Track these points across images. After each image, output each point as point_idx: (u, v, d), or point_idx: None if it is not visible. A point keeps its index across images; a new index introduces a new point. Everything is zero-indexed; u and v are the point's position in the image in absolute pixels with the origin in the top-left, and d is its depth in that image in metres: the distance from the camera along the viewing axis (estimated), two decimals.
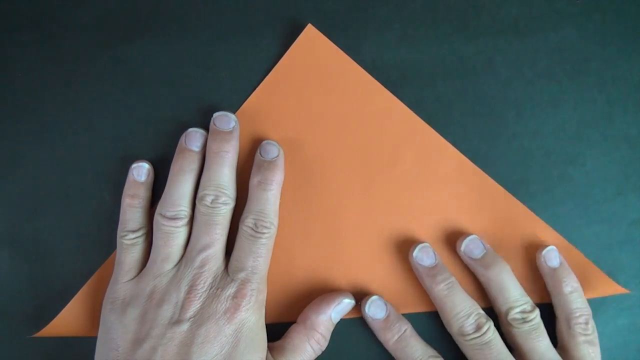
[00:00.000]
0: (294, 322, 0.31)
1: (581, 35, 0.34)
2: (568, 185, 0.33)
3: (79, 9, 0.33)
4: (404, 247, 0.32)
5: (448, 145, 0.33)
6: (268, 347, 0.30)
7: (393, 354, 0.31)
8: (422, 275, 0.31)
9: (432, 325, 0.32)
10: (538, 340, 0.30)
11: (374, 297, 0.31)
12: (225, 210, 0.30)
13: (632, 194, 0.33)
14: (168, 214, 0.30)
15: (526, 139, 0.33)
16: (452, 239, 0.33)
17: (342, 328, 0.32)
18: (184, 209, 0.30)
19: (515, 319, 0.30)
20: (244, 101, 0.33)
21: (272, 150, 0.31)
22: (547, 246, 0.32)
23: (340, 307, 0.31)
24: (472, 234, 0.32)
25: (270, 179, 0.31)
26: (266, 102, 0.33)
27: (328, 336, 0.31)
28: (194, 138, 0.31)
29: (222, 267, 0.30)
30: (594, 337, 0.31)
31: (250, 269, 0.29)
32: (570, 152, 0.33)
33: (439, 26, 0.33)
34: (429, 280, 0.31)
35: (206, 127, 0.32)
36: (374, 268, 0.32)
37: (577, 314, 0.31)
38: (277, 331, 0.31)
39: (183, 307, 0.28)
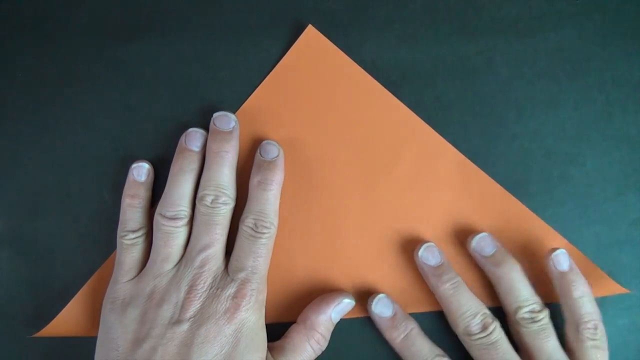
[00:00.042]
0: (294, 322, 0.31)
1: (581, 35, 0.34)
2: (568, 185, 0.33)
3: (79, 9, 0.33)
4: (403, 246, 0.32)
5: (448, 145, 0.33)
6: (268, 347, 0.30)
7: (399, 353, 0.31)
8: (428, 275, 0.31)
9: (437, 325, 0.32)
10: (546, 341, 0.30)
11: (381, 295, 0.31)
12: (225, 210, 0.30)
13: (632, 194, 0.33)
14: (168, 214, 0.30)
15: (526, 139, 0.33)
16: (451, 239, 0.33)
17: (342, 328, 0.32)
18: (184, 209, 0.30)
19: (523, 319, 0.30)
20: (244, 101, 0.33)
21: (272, 150, 0.31)
22: (556, 249, 0.31)
23: (340, 307, 0.31)
24: (482, 232, 0.31)
25: (270, 179, 0.31)
26: (266, 102, 0.33)
27: (328, 336, 0.31)
28: (194, 138, 0.31)
29: (222, 267, 0.30)
30: (603, 341, 0.30)
31: (250, 269, 0.29)
32: (570, 152, 0.33)
33: (439, 26, 0.33)
34: (435, 279, 0.31)
35: (206, 127, 0.32)
36: (374, 268, 0.32)
37: (586, 319, 0.30)
38: (277, 331, 0.31)
39: (183, 307, 0.28)
